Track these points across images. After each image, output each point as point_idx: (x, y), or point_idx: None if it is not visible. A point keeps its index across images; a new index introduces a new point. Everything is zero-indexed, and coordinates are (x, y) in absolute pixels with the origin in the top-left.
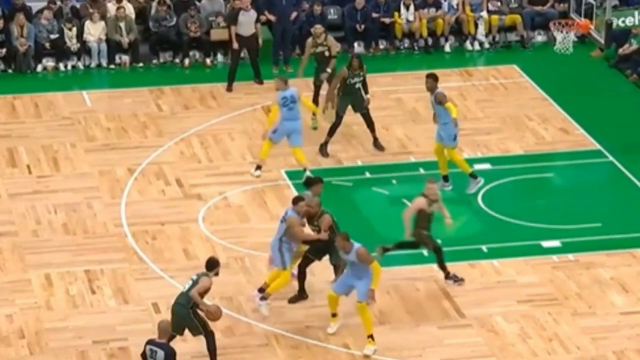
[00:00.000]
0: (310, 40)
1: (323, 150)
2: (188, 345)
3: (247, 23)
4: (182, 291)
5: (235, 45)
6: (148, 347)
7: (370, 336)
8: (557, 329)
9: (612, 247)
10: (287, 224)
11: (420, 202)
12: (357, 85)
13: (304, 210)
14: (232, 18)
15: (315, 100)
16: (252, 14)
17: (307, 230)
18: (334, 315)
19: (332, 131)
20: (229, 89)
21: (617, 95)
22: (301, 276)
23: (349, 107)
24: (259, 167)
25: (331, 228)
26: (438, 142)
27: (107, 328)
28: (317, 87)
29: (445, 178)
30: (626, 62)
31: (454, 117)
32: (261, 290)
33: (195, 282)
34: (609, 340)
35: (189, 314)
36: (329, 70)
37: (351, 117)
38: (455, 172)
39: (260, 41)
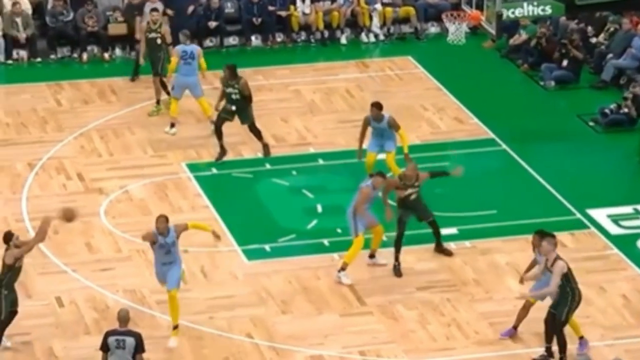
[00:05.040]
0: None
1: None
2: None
3: None
4: None
5: (139, 36)
6: (112, 338)
7: (176, 327)
8: (456, 314)
9: (507, 233)
10: (359, 192)
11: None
12: (234, 97)
13: (379, 185)
14: (138, 8)
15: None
16: (159, 5)
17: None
18: (176, 327)
19: (217, 132)
20: (133, 79)
21: (509, 84)
22: (399, 242)
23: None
24: (172, 125)
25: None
26: (373, 153)
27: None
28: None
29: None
30: (517, 52)
31: (406, 146)
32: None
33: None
34: (506, 324)
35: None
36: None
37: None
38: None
39: None
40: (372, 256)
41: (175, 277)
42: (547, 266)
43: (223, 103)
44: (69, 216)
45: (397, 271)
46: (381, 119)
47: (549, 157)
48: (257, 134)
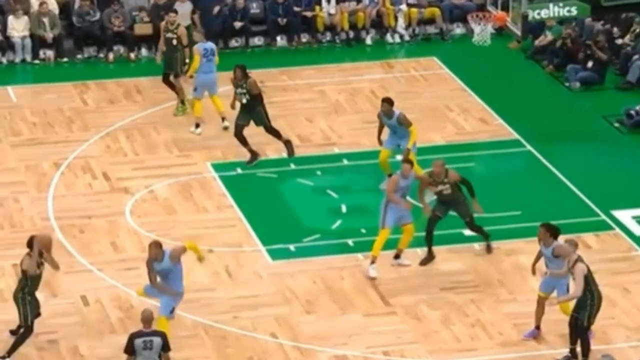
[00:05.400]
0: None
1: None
2: None
3: (182, 15)
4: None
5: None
6: (139, 340)
7: None
8: (480, 315)
9: (531, 234)
10: (389, 181)
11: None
12: (244, 97)
13: (407, 172)
14: (164, 8)
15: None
16: (188, 5)
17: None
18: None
19: (240, 140)
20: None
21: (534, 85)
22: (429, 236)
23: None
24: (198, 125)
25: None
26: (387, 150)
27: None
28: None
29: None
30: (542, 53)
31: (413, 142)
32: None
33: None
34: (530, 325)
35: (19, 299)
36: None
37: (272, 111)
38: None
39: None
40: (397, 257)
41: (165, 304)
42: (568, 268)
43: (238, 104)
44: (44, 242)
45: (423, 261)
46: (391, 115)
47: (574, 158)
48: (275, 133)
